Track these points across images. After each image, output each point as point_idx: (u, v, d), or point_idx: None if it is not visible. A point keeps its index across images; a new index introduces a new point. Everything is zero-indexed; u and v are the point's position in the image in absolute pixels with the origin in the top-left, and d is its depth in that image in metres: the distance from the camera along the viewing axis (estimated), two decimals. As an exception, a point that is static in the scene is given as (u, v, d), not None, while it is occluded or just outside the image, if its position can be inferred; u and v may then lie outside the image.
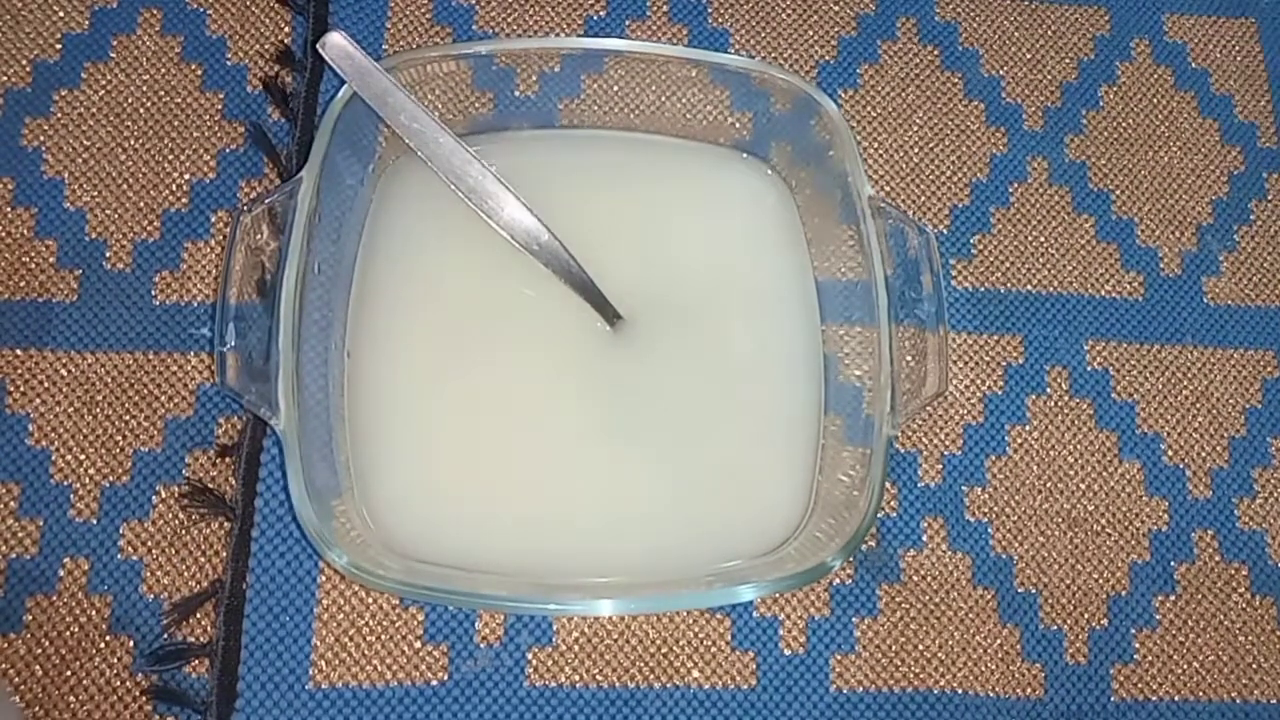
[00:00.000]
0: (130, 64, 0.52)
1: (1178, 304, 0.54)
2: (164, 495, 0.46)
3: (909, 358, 0.45)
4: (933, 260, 0.45)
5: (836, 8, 0.57)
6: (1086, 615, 0.49)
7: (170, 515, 0.46)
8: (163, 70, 0.52)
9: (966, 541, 0.49)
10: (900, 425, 0.44)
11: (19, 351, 0.48)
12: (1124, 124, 0.57)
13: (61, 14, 0.53)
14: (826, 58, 0.56)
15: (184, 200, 0.51)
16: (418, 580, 0.41)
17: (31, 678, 0.44)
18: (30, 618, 0.45)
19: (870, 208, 0.46)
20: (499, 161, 0.51)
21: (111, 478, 0.46)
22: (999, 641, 0.48)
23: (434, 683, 0.45)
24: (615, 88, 0.51)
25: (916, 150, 0.55)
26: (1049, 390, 0.52)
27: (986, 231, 0.54)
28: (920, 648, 0.47)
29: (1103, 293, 0.54)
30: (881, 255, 0.45)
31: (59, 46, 0.52)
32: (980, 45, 0.57)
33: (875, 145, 0.55)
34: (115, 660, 0.44)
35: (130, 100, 0.52)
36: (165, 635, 0.45)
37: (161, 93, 0.52)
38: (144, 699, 0.44)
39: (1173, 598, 0.49)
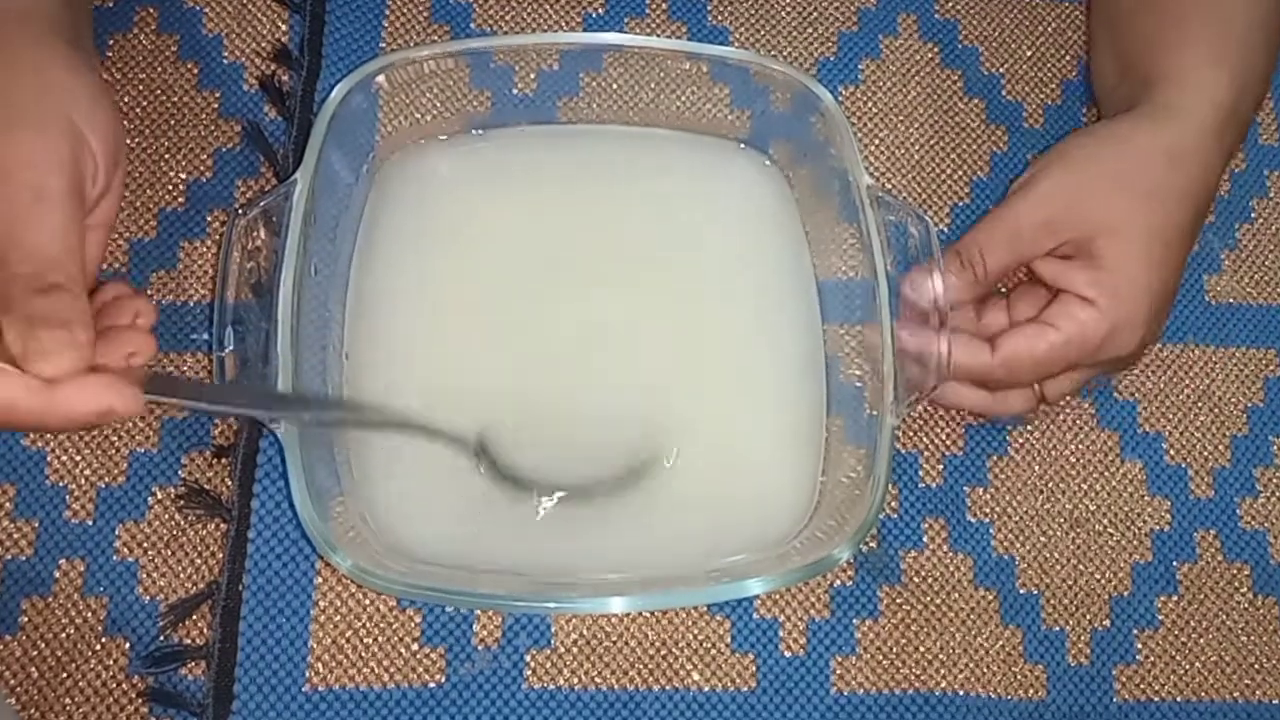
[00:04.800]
0: (126, 62, 0.52)
1: (1179, 302, 0.53)
2: (160, 496, 0.46)
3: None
4: (933, 248, 0.45)
5: (837, 3, 0.57)
6: (1089, 616, 0.48)
7: (166, 516, 0.46)
8: (159, 69, 0.52)
9: (968, 542, 0.49)
10: (904, 413, 0.43)
11: (14, 352, 0.47)
12: (1126, 121, 0.56)
13: (57, 12, 0.52)
14: (827, 54, 0.56)
15: (180, 199, 0.50)
16: (421, 581, 0.41)
17: (27, 680, 0.44)
18: (26, 619, 0.44)
19: (869, 196, 0.46)
20: (495, 158, 0.51)
21: (107, 479, 0.46)
22: (1001, 643, 0.48)
23: (431, 685, 0.45)
24: (614, 85, 0.51)
25: (917, 147, 0.55)
26: (1050, 389, 0.52)
27: (988, 230, 0.54)
28: (921, 649, 0.47)
29: (1104, 291, 0.53)
30: (881, 243, 0.45)
31: (54, 45, 0.52)
32: (980, 42, 0.57)
33: (876, 142, 0.54)
34: (111, 662, 0.44)
35: (126, 99, 0.51)
36: (161, 637, 0.44)
37: (158, 91, 0.51)
38: (140, 701, 0.44)
39: (1175, 598, 0.49)
